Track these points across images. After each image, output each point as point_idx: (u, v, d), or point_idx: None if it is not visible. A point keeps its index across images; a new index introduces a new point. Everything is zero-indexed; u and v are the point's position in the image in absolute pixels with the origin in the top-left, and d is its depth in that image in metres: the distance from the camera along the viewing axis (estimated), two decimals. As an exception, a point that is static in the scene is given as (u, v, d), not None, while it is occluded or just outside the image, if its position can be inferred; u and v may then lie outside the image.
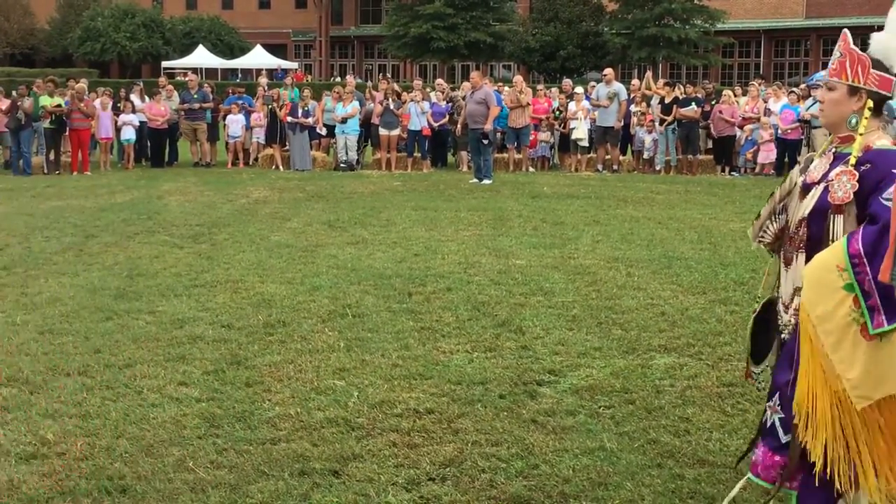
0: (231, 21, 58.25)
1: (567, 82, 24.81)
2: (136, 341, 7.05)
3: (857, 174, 3.47)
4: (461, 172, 20.84)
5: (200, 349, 6.84)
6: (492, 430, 5.28)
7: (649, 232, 12.16)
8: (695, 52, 47.13)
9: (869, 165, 3.48)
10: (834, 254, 3.38)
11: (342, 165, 21.06)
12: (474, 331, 7.33)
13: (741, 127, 20.71)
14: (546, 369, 6.40)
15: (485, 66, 50.15)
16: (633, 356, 6.71)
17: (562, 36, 47.40)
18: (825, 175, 3.63)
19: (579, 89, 22.16)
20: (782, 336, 3.83)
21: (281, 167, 21.34)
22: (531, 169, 21.52)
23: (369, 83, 28.72)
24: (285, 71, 46.59)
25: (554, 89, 24.16)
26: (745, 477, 3.94)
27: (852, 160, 3.52)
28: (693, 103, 20.55)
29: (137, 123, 21.59)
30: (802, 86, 23.46)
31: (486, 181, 18.44)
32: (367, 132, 21.75)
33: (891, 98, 3.66)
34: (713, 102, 21.24)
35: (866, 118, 3.57)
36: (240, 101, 22.61)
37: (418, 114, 20.95)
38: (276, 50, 56.34)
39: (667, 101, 20.63)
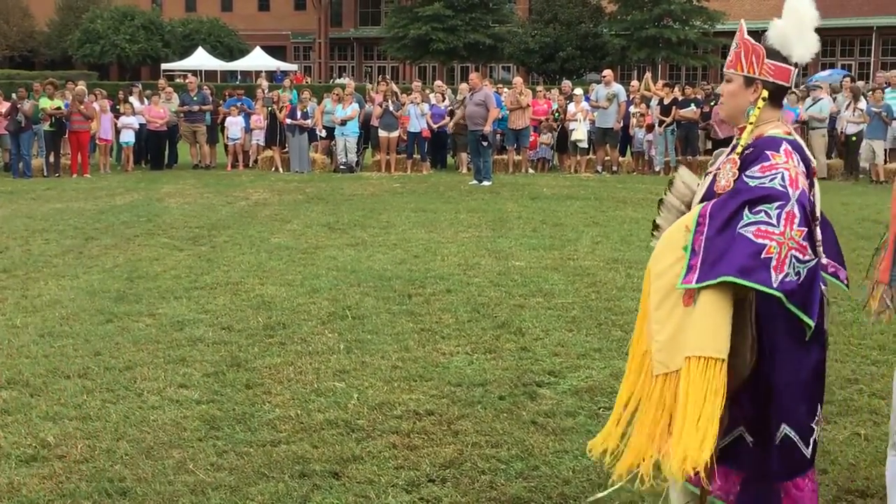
0: (230, 23, 58.23)
1: (566, 84, 24.82)
2: (136, 344, 7.05)
3: (738, 162, 3.45)
4: (461, 174, 20.85)
5: (200, 351, 6.85)
6: (492, 431, 5.28)
7: (649, 233, 12.15)
8: (694, 53, 47.15)
9: (751, 150, 3.47)
10: (690, 214, 3.40)
11: (342, 167, 21.06)
12: (474, 332, 7.33)
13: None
14: (546, 370, 6.40)
15: (484, 67, 50.16)
16: (633, 357, 6.71)
17: (561, 37, 47.40)
18: (720, 164, 3.63)
19: (578, 91, 22.17)
20: None
21: (280, 169, 21.35)
22: (531, 170, 21.53)
23: (369, 85, 28.71)
24: (284, 73, 46.57)
25: (553, 91, 24.16)
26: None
27: (738, 149, 3.51)
28: (692, 104, 20.57)
29: (137, 126, 21.60)
30: (801, 87, 23.49)
31: (485, 183, 18.45)
32: (367, 134, 21.76)
33: (788, 88, 3.64)
34: (712, 103, 21.23)
35: (759, 108, 3.54)
36: (239, 104, 22.62)
37: (417, 116, 20.95)
38: (275, 52, 56.34)
39: (666, 102, 20.64)
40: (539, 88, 24.21)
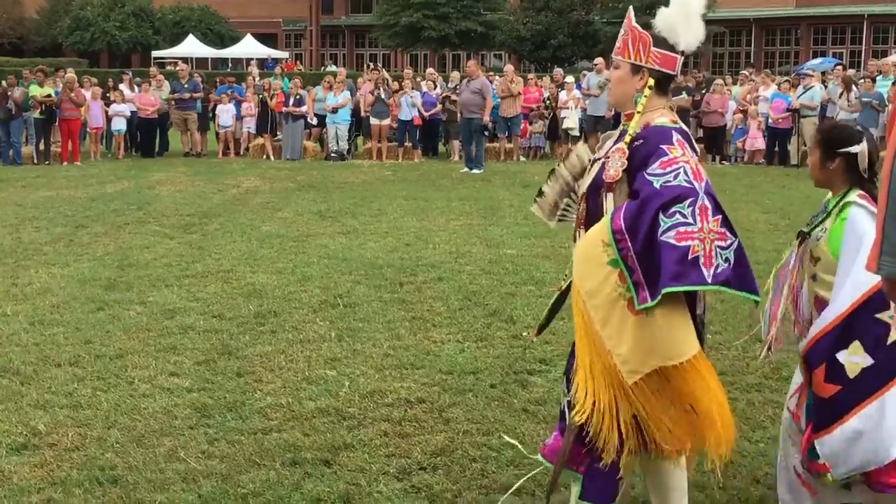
0: (221, 10, 57.87)
1: (558, 71, 24.78)
2: (126, 332, 7.04)
3: (627, 152, 3.47)
4: (452, 162, 20.82)
5: (191, 339, 6.84)
6: (483, 419, 5.29)
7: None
8: (686, 41, 47.06)
9: (641, 142, 3.47)
10: (600, 229, 3.41)
11: (333, 155, 21.02)
12: (465, 320, 7.34)
13: (735, 114, 20.78)
14: (537, 359, 6.41)
15: (476, 55, 50.02)
16: (624, 345, 6.73)
17: (553, 25, 47.24)
18: (608, 152, 3.64)
19: (570, 78, 22.14)
20: None
21: (272, 157, 21.30)
22: (522, 158, 21.52)
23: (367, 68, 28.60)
24: (275, 60, 46.43)
25: (545, 79, 24.13)
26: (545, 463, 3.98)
27: (627, 138, 3.52)
28: (683, 92, 20.55)
29: (128, 114, 21.51)
30: (793, 74, 23.52)
31: (475, 170, 18.44)
32: (359, 122, 21.73)
33: (675, 76, 3.64)
34: (703, 91, 21.26)
35: (646, 96, 3.55)
36: (230, 91, 22.55)
37: (408, 104, 20.92)
38: (266, 39, 56.08)
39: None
40: (530, 76, 24.16)
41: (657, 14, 3.60)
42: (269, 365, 6.27)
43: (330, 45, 62.87)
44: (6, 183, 16.49)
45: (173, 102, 21.88)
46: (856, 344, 3.52)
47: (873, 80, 19.68)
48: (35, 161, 20.16)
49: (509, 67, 22.86)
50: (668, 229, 3.24)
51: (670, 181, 3.30)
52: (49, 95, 19.91)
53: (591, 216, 3.59)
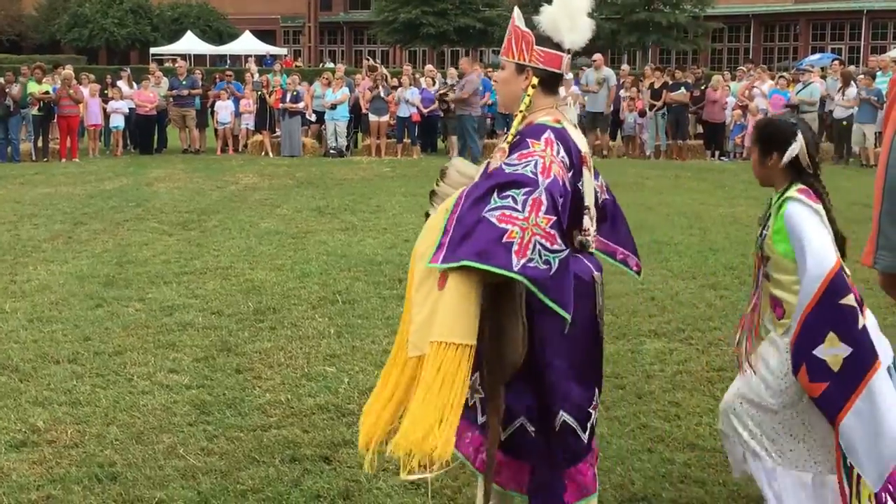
0: (219, 7, 57.86)
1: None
2: (125, 329, 7.04)
3: (506, 151, 3.44)
4: (451, 158, 20.77)
5: (190, 336, 6.84)
6: (482, 415, 5.28)
7: (639, 217, 12.16)
8: (684, 37, 47.04)
9: (518, 138, 3.45)
10: (451, 198, 3.37)
11: (332, 152, 21.00)
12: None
13: (734, 110, 20.78)
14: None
15: (474, 51, 50.00)
16: (624, 341, 6.73)
17: (551, 21, 47.29)
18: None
19: (569, 75, 22.11)
20: None
21: (270, 153, 21.28)
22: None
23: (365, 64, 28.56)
24: (274, 57, 46.39)
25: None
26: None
27: (509, 138, 3.50)
28: (682, 88, 20.57)
29: (127, 110, 21.48)
30: (792, 70, 23.50)
31: None
32: (357, 118, 21.72)
33: (561, 75, 3.61)
34: (702, 87, 21.25)
35: (529, 95, 3.52)
36: (228, 85, 22.52)
37: (403, 101, 20.90)
38: (264, 36, 56.03)
39: (656, 85, 20.63)
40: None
41: (541, 12, 3.57)
42: (268, 361, 6.27)
43: (329, 42, 62.83)
44: (5, 180, 16.47)
45: (171, 99, 21.86)
46: (831, 336, 3.50)
47: (872, 77, 19.67)
48: (33, 158, 20.14)
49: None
50: (495, 208, 3.17)
51: (518, 169, 3.26)
52: (47, 92, 19.89)
53: None
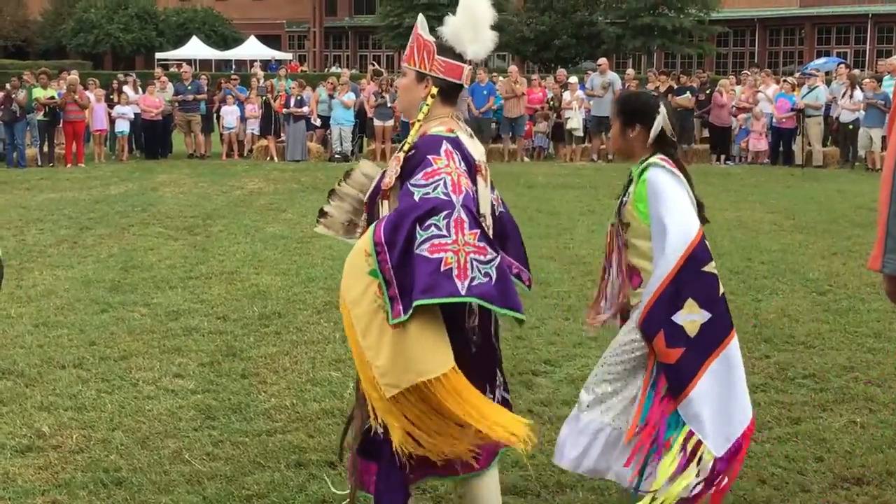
0: (225, 12, 57.95)
1: (561, 72, 24.78)
2: (131, 333, 7.04)
3: (401, 160, 3.46)
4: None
5: (196, 341, 6.84)
6: (488, 420, 5.27)
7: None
8: (689, 42, 47.07)
9: (414, 151, 3.46)
10: (365, 240, 3.39)
11: (337, 156, 21.02)
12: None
13: (736, 116, 20.75)
14: (542, 359, 6.40)
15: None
16: (629, 346, 6.71)
17: (556, 26, 47.25)
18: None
19: (574, 79, 22.13)
20: None
21: (276, 158, 21.30)
22: (526, 159, 21.51)
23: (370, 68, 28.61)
24: (279, 62, 46.45)
25: (549, 79, 24.12)
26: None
27: (405, 146, 3.51)
28: (687, 92, 20.56)
29: (132, 115, 21.51)
30: (797, 74, 23.47)
31: None
32: (362, 123, 21.75)
33: (461, 85, 3.62)
34: (708, 91, 21.23)
35: (428, 104, 3.54)
36: (235, 90, 22.53)
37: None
38: (270, 41, 56.11)
39: (661, 90, 20.62)
40: (534, 77, 24.14)
41: (445, 22, 3.58)
42: (273, 366, 6.27)
43: (333, 47, 62.91)
44: (10, 185, 16.50)
45: (177, 104, 21.89)
46: (690, 302, 3.53)
47: (879, 80, 19.63)
48: (39, 163, 20.16)
49: (513, 68, 22.86)
50: (423, 242, 3.21)
51: (429, 193, 3.28)
52: (52, 97, 19.92)
53: (371, 223, 3.56)
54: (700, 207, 3.80)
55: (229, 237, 11.16)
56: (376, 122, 21.00)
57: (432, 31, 3.61)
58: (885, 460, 4.76)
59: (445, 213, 3.23)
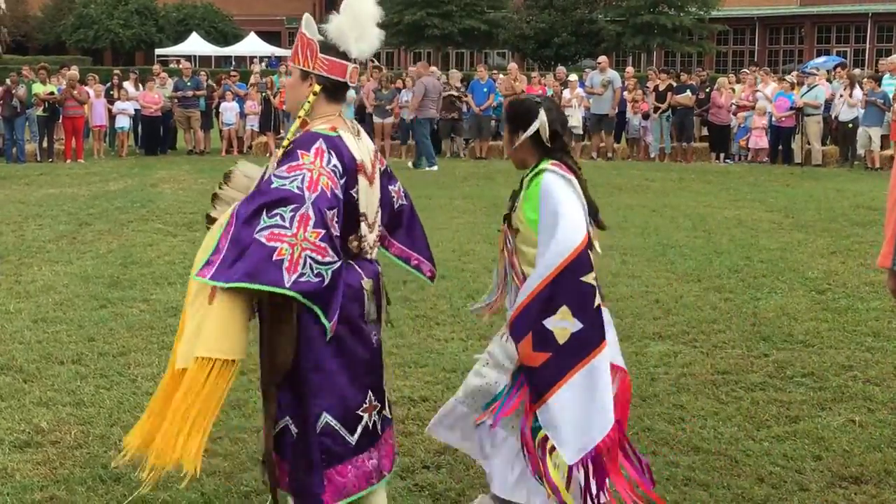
0: (224, 8, 57.93)
1: (561, 70, 24.78)
2: (130, 329, 7.04)
3: (279, 156, 3.50)
4: (455, 160, 20.81)
5: (195, 337, 6.82)
6: (486, 417, 5.27)
7: (644, 219, 12.17)
8: (689, 40, 47.06)
9: (291, 146, 3.50)
10: (227, 212, 3.46)
11: (336, 153, 21.01)
12: (469, 318, 7.32)
13: (735, 114, 20.74)
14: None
15: (479, 53, 50.06)
16: (628, 344, 6.71)
17: (556, 23, 47.25)
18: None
19: (573, 77, 22.13)
20: None
21: (275, 154, 21.27)
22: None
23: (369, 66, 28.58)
24: (279, 59, 46.42)
25: (548, 77, 24.12)
26: None
27: (285, 142, 3.55)
28: (687, 90, 20.55)
29: (133, 111, 21.50)
30: (796, 73, 23.45)
31: (430, 167, 18.72)
32: (361, 120, 21.74)
33: (346, 84, 3.65)
34: (707, 90, 21.22)
35: (309, 102, 3.57)
36: (234, 86, 22.52)
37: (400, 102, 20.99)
38: (269, 37, 56.11)
39: (661, 88, 20.62)
40: (534, 75, 24.15)
41: (329, 21, 3.62)
42: (272, 363, 6.25)
43: (333, 44, 62.82)
44: (10, 180, 16.49)
45: (176, 100, 21.88)
46: (564, 309, 3.52)
47: (878, 80, 19.62)
48: (38, 159, 20.16)
49: (513, 66, 22.85)
50: (264, 228, 3.27)
51: (285, 184, 3.34)
52: (52, 93, 19.91)
53: None
54: (595, 211, 3.81)
55: (228, 233, 11.14)
56: (375, 119, 21.01)
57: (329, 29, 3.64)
58: (884, 459, 4.76)
59: (293, 206, 3.29)
